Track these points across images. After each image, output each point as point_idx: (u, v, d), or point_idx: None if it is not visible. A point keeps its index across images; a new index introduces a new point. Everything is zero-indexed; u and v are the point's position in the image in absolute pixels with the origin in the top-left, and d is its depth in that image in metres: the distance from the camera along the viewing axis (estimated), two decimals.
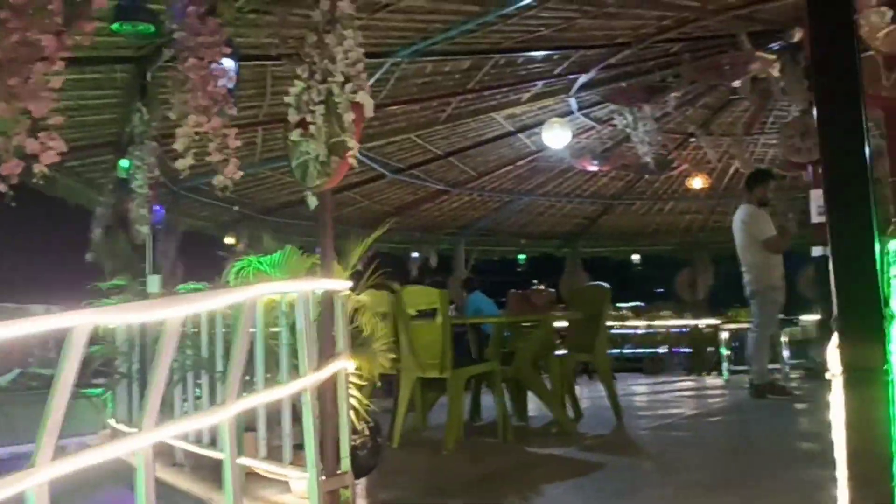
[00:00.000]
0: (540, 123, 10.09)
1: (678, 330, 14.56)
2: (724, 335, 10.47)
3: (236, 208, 10.88)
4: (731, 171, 12.57)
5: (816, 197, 9.00)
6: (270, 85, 6.97)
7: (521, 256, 15.85)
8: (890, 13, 2.41)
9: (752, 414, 6.21)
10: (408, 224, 12.77)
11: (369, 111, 3.43)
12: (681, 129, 10.48)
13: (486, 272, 14.82)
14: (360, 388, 3.56)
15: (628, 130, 9.12)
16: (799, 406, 6.52)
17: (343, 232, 3.97)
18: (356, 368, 3.52)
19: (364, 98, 3.43)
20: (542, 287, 5.38)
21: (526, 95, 8.92)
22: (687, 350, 13.98)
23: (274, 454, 3.38)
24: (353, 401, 3.47)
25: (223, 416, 2.64)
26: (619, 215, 14.25)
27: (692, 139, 10.59)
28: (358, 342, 3.64)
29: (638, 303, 17.41)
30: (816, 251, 9.09)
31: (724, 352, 10.02)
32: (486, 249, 14.82)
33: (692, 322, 13.96)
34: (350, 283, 3.59)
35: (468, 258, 13.98)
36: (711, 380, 9.71)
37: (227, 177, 3.79)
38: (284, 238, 7.93)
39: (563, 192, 12.92)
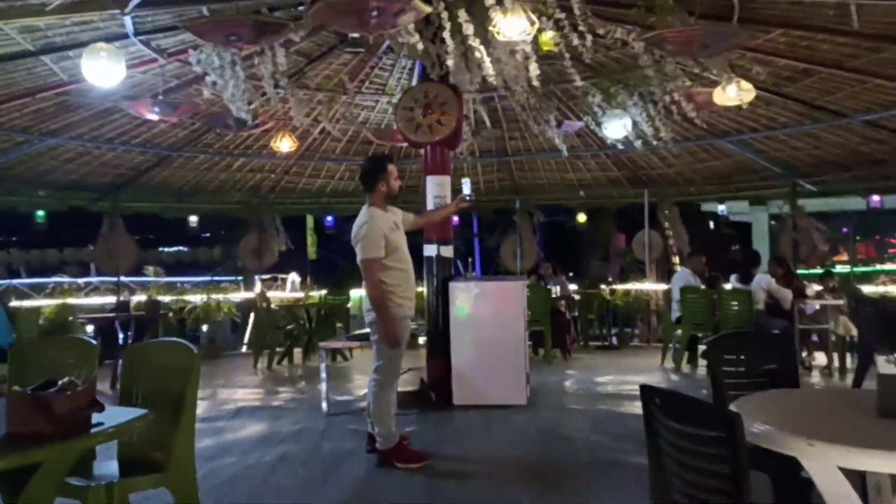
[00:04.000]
0: (76, 45, 6.99)
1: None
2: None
3: None
4: (316, 131, 10.81)
5: (432, 186, 7.63)
6: None
7: (40, 213, 12.04)
8: None
9: None
10: None
11: None
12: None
13: None
14: None
15: (211, 73, 6.67)
16: (444, 470, 5.00)
17: None
18: None
19: None
20: (74, 380, 2.79)
21: (55, 3, 5.82)
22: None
23: None
24: None
25: None
26: (176, 168, 11.51)
27: (277, 90, 8.39)
28: None
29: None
30: (429, 250, 7.74)
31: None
32: None
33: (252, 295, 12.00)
34: None
35: None
36: (306, 408, 7.58)
37: None
38: None
39: (105, 137, 9.77)
